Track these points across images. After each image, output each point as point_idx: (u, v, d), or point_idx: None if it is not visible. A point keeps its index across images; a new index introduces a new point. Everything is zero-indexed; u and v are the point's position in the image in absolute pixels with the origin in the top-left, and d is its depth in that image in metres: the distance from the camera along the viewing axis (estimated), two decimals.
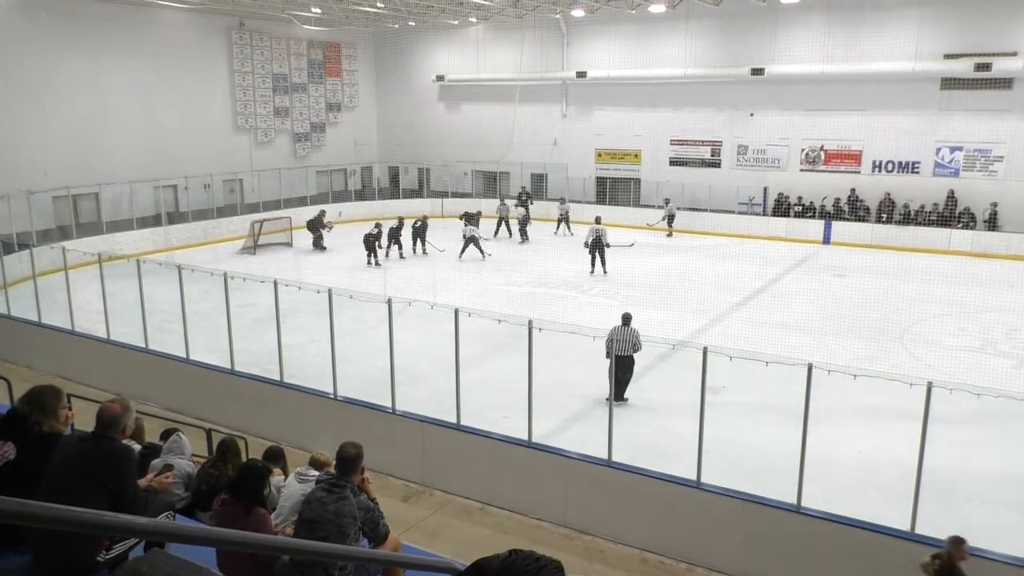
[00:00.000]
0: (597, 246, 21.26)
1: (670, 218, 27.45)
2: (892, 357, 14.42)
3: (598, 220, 22.04)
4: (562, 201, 28.87)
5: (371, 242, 22.82)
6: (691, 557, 8.63)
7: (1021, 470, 10.33)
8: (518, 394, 10.16)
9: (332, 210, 28.31)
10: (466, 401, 10.17)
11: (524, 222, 26.90)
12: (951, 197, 25.31)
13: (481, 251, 23.54)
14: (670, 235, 27.41)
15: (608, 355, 11.42)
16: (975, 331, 16.52)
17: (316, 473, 5.55)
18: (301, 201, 30.28)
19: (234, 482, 5.15)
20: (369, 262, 22.79)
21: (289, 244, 25.96)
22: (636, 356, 11.97)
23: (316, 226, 25.51)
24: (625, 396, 12.07)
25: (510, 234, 27.68)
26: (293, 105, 33.50)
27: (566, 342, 10.75)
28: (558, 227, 28.31)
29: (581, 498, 9.33)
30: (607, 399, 11.53)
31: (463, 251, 23.48)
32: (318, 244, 25.37)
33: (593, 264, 21.40)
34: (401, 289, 17.30)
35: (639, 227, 27.88)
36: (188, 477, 6.41)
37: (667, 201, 27.92)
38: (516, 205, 28.64)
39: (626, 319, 12.10)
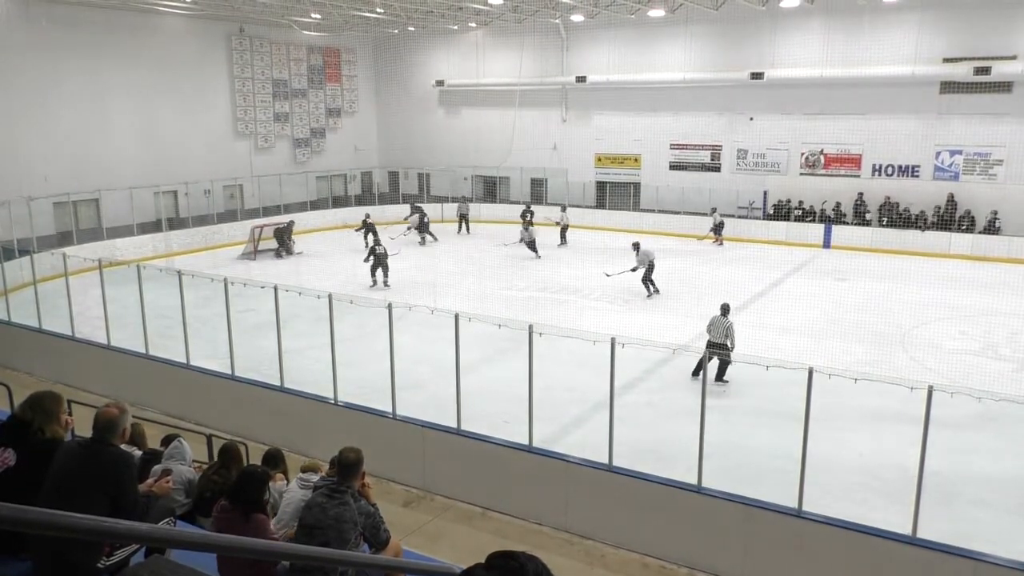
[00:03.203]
0: (650, 271, 19.31)
1: (718, 227, 26.98)
2: (893, 361, 14.42)
3: (638, 246, 19.62)
4: (526, 208, 28.59)
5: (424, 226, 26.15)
6: (692, 561, 8.61)
7: (1022, 473, 10.32)
8: (519, 399, 10.15)
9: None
10: (467, 406, 10.16)
11: (423, 227, 27.15)
12: (951, 201, 25.34)
13: (535, 251, 24.27)
14: (720, 243, 26.85)
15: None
16: (976, 335, 16.52)
17: (317, 478, 5.54)
18: (302, 206, 30.33)
19: (234, 488, 5.14)
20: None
21: (291, 249, 25.96)
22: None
23: (284, 236, 25.48)
24: (725, 378, 12.86)
25: (468, 231, 29.26)
26: (293, 111, 33.56)
27: (567, 346, 10.76)
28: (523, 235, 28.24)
29: (582, 502, 9.31)
30: (716, 381, 12.74)
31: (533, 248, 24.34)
32: (280, 254, 25.12)
33: (650, 288, 19.47)
34: (401, 294, 17.33)
35: (684, 235, 27.61)
36: (189, 483, 6.41)
37: (713, 210, 27.53)
38: (410, 214, 28.35)
39: (724, 309, 13.14)
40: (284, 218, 27.07)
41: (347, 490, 4.75)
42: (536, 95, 32.66)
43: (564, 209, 27.85)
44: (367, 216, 26.17)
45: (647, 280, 19.38)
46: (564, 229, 27.04)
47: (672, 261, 24.17)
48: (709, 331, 13.00)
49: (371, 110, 37.46)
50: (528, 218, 28.04)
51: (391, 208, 32.05)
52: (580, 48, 31.58)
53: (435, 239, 27.24)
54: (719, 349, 12.63)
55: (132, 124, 27.27)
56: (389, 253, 20.78)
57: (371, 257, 20.49)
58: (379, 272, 20.40)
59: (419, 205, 29.20)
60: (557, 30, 31.35)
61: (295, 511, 5.40)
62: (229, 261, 24.08)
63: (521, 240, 24.48)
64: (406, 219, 27.85)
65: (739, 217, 28.35)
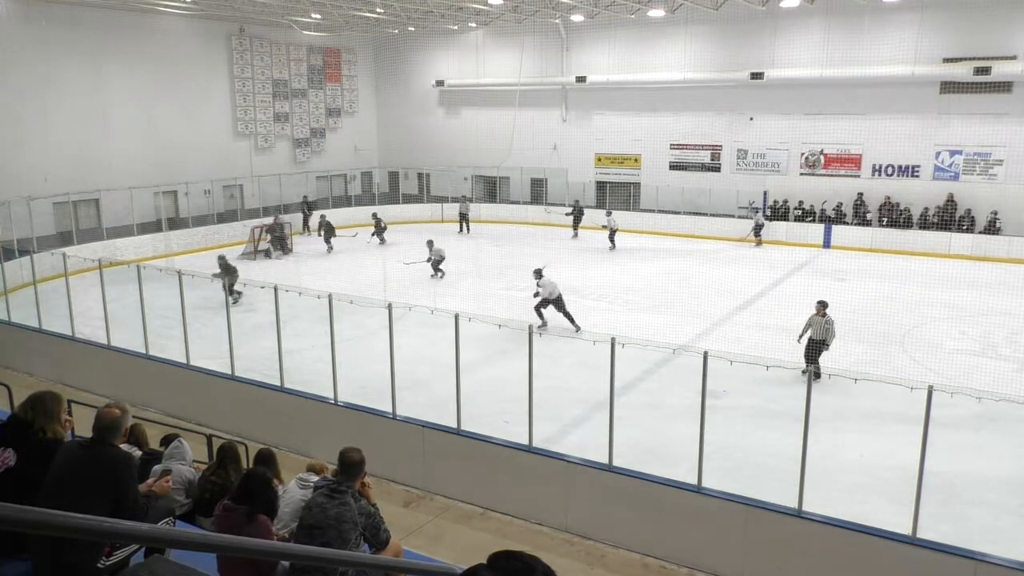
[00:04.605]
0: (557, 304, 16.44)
1: (757, 228, 26.65)
2: (893, 361, 14.42)
3: (540, 273, 16.88)
4: (577, 208, 28.54)
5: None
6: (692, 562, 8.61)
7: (1022, 474, 10.32)
8: (519, 399, 10.15)
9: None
10: (467, 406, 10.16)
11: (329, 231, 26.12)
12: (950, 201, 25.35)
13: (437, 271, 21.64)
14: (758, 245, 26.53)
15: (800, 340, 13.30)
16: (976, 335, 16.51)
17: (316, 478, 5.54)
18: (302, 207, 30.30)
19: (246, 491, 5.03)
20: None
21: (290, 249, 25.96)
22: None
23: (279, 235, 25.40)
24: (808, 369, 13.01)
25: (468, 231, 29.27)
26: (293, 111, 33.57)
27: (566, 347, 10.76)
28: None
29: (582, 503, 9.31)
30: (808, 380, 12.47)
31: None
32: (269, 254, 24.97)
33: (542, 318, 16.49)
34: (401, 294, 17.32)
35: (725, 238, 27.40)
36: (189, 483, 6.40)
37: (756, 211, 27.19)
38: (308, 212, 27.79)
39: (820, 307, 13.30)
40: (283, 219, 26.93)
41: (347, 490, 4.75)
42: (536, 95, 32.66)
43: (610, 214, 26.96)
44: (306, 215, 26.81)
45: (540, 309, 16.49)
46: (612, 234, 25.93)
47: (671, 261, 24.20)
48: (808, 331, 13.32)
49: (371, 110, 37.46)
50: (576, 214, 28.03)
51: (391, 208, 32.09)
52: (580, 48, 31.58)
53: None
54: (819, 348, 13.05)
55: (132, 124, 27.28)
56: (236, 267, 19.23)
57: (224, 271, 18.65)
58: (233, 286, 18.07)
59: (282, 216, 27.10)
60: (557, 30, 31.35)
61: (295, 511, 5.40)
62: (229, 261, 24.01)
63: (429, 260, 21.53)
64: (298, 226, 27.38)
65: (739, 217, 28.35)
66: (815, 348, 13.14)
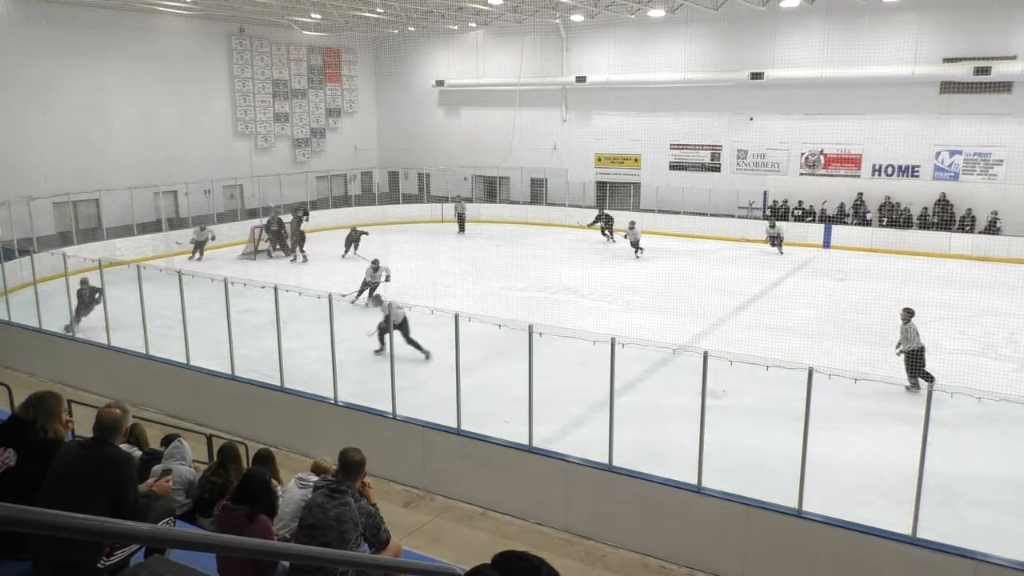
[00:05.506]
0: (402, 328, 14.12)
1: (779, 239, 25.45)
2: (893, 361, 14.38)
3: (379, 300, 15.24)
4: (604, 216, 28.10)
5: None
6: (692, 562, 8.61)
7: (1022, 474, 10.32)
8: (519, 399, 10.15)
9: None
10: (467, 406, 10.16)
11: (300, 239, 24.78)
12: (944, 201, 25.34)
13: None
14: (781, 252, 25.36)
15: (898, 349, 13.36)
16: (976, 335, 16.51)
17: (316, 478, 5.54)
18: (302, 206, 30.27)
19: (245, 491, 5.04)
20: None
21: (290, 249, 25.93)
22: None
23: (279, 235, 25.16)
24: (914, 382, 12.76)
25: (464, 230, 29.23)
26: (293, 111, 33.57)
27: (566, 347, 10.76)
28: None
29: (582, 503, 9.32)
30: (909, 388, 12.37)
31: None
32: (270, 254, 24.91)
33: (383, 343, 14.33)
34: (402, 295, 17.30)
35: (725, 238, 27.24)
36: (189, 483, 6.41)
37: (772, 224, 25.96)
38: (291, 221, 25.78)
39: (904, 315, 13.43)
40: (283, 218, 26.75)
41: (348, 490, 4.75)
42: (536, 95, 32.66)
43: (632, 226, 25.35)
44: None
45: (383, 333, 14.17)
46: (636, 243, 24.96)
47: (671, 261, 24.19)
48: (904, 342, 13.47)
49: (371, 110, 37.46)
50: (604, 221, 27.49)
51: (391, 208, 32.11)
52: (580, 48, 31.58)
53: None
54: (916, 355, 13.14)
55: (132, 124, 27.28)
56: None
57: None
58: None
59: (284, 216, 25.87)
60: (557, 30, 31.35)
61: (295, 511, 5.40)
62: (229, 261, 24.07)
63: (367, 285, 18.24)
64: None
65: (739, 217, 28.34)
66: (914, 358, 13.17)
